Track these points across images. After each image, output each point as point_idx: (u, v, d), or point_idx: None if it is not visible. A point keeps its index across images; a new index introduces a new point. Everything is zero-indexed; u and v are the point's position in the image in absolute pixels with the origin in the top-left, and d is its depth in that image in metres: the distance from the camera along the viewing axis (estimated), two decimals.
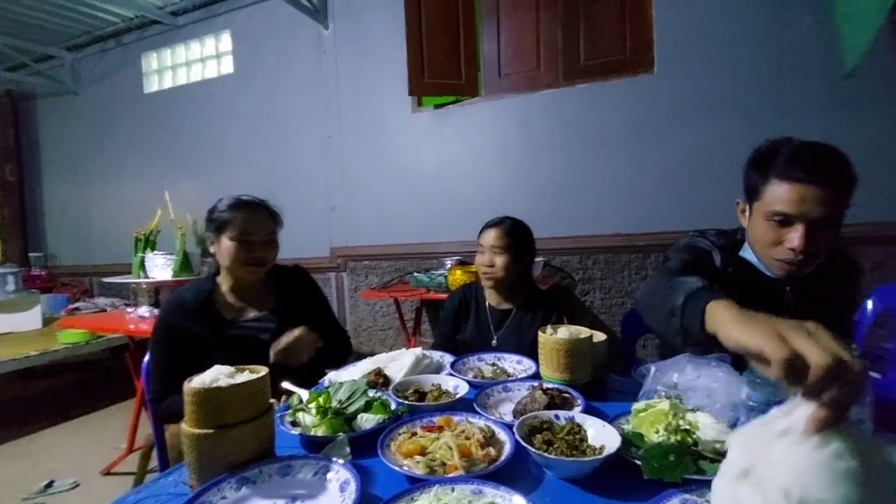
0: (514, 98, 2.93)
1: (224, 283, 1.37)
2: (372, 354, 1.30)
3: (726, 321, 0.64)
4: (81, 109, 4.61)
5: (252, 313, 1.36)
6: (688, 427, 0.78)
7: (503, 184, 2.96)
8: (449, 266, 2.64)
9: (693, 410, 0.83)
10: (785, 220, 0.94)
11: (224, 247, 1.30)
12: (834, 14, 2.13)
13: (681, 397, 0.87)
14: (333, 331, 1.52)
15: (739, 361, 0.94)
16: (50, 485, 2.20)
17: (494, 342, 1.53)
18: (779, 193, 0.93)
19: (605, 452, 0.71)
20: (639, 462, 0.69)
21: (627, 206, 2.63)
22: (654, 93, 2.59)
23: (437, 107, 3.14)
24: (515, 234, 1.52)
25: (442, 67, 2.97)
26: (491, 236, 1.51)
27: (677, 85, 2.54)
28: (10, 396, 3.53)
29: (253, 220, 1.32)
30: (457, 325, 1.62)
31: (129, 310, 2.45)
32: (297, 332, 1.26)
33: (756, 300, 1.01)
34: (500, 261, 1.49)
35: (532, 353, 1.22)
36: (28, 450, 2.64)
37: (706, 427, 0.77)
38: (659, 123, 2.58)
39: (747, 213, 1.06)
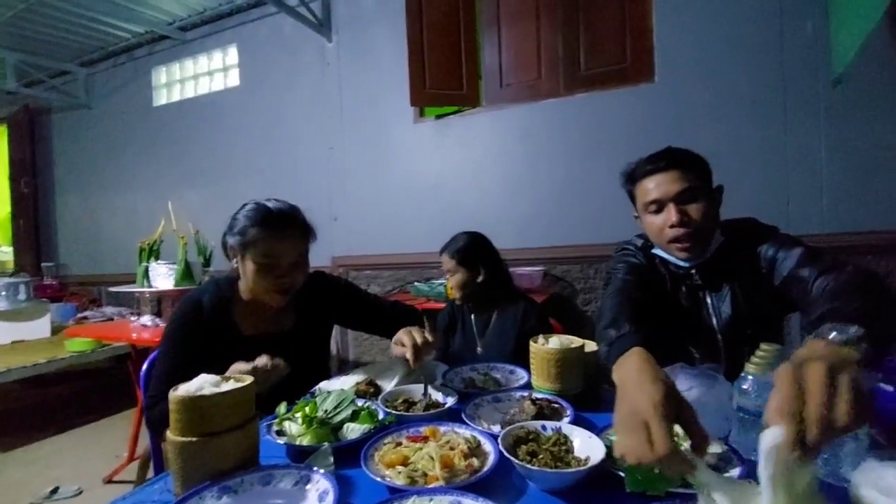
0: (516, 108, 2.94)
1: (244, 292, 1.25)
2: (361, 366, 1.30)
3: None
4: (94, 123, 4.73)
5: (271, 330, 1.27)
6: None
7: (504, 193, 2.97)
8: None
9: None
10: (658, 207, 1.11)
11: (248, 268, 1.16)
12: (829, 21, 2.12)
13: None
14: (388, 317, 1.40)
15: (731, 373, 0.93)
16: (55, 491, 2.23)
17: (479, 349, 1.61)
18: (644, 188, 1.14)
19: (590, 464, 0.70)
20: (623, 474, 0.68)
21: (629, 215, 2.60)
22: (654, 101, 2.59)
23: (439, 117, 3.16)
24: (464, 252, 1.64)
25: (443, 78, 3.00)
26: (443, 261, 1.66)
27: (678, 93, 2.54)
28: (20, 403, 3.58)
29: (281, 243, 1.15)
30: (447, 338, 1.71)
31: (132, 319, 2.48)
32: (260, 362, 1.05)
33: (672, 287, 1.18)
34: (455, 280, 1.63)
35: (517, 352, 1.32)
36: (35, 456, 2.67)
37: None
38: (660, 132, 2.57)
39: (639, 219, 1.22)
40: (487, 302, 1.66)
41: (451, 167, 3.11)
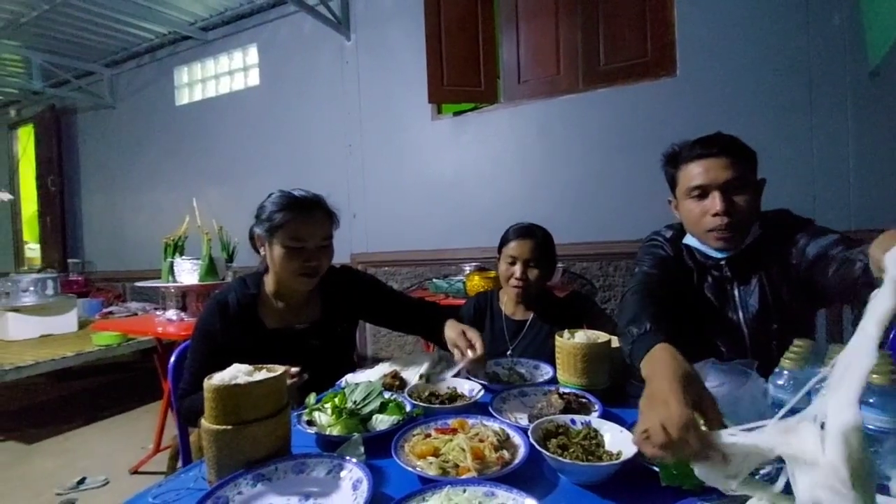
0: (534, 104, 2.93)
1: (270, 285, 1.28)
2: (386, 359, 1.31)
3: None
4: (118, 122, 4.85)
5: (297, 323, 1.28)
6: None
7: (522, 190, 2.96)
8: (467, 272, 2.64)
9: None
10: (702, 193, 1.08)
11: (276, 253, 1.19)
12: (861, 12, 2.06)
13: None
14: (415, 315, 1.41)
15: (765, 368, 0.92)
16: (82, 481, 2.28)
17: (510, 352, 1.49)
18: (689, 172, 1.09)
19: (622, 458, 0.70)
20: (657, 469, 0.67)
21: (649, 211, 2.56)
22: (676, 96, 2.55)
23: (457, 114, 3.16)
24: (546, 246, 1.50)
25: (461, 75, 2.99)
26: (525, 248, 1.46)
27: (701, 87, 2.49)
28: (48, 396, 3.69)
29: (308, 225, 1.19)
30: None
31: (157, 313, 2.53)
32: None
33: (699, 280, 1.15)
34: (534, 274, 1.46)
35: (550, 363, 1.20)
36: (63, 447, 2.75)
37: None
38: (681, 127, 2.49)
39: (676, 205, 1.19)
40: (528, 304, 1.54)
41: (468, 164, 3.11)
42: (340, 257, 3.44)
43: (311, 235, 1.19)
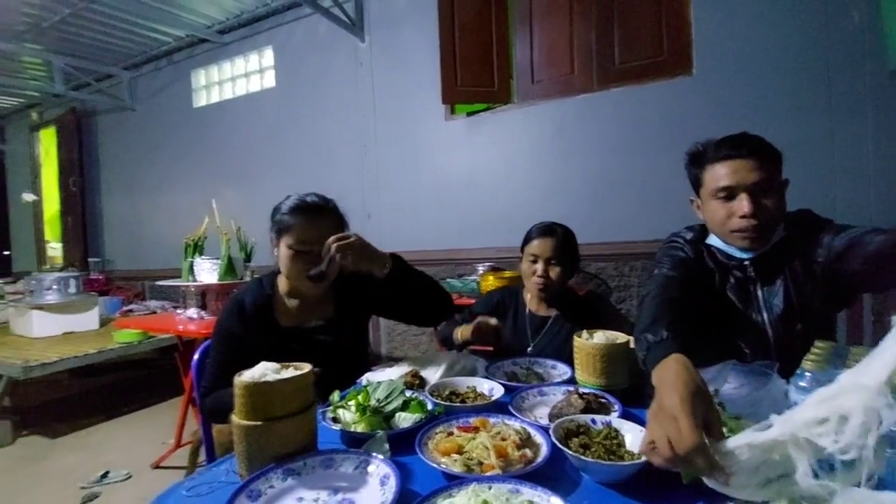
0: (548, 104, 2.93)
1: (283, 285, 1.31)
2: (406, 358, 1.32)
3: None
4: (137, 124, 4.95)
5: (311, 321, 1.31)
6: (730, 434, 0.76)
7: (537, 190, 2.96)
8: (482, 272, 2.66)
9: (736, 419, 0.81)
10: (728, 194, 1.06)
11: (282, 254, 1.22)
12: (882, 10, 2.03)
13: (723, 405, 0.85)
14: (423, 306, 1.42)
15: (783, 369, 0.91)
16: (105, 475, 2.35)
17: (531, 349, 1.50)
18: (716, 173, 1.08)
19: (644, 458, 0.71)
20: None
21: (664, 211, 2.55)
22: (692, 95, 2.53)
23: (470, 114, 3.17)
24: (568, 244, 1.50)
25: (475, 75, 3.00)
26: (546, 247, 1.47)
27: (718, 86, 2.47)
28: (71, 392, 3.79)
29: (314, 228, 1.21)
30: None
31: (178, 311, 2.59)
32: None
33: (720, 282, 1.15)
34: (555, 272, 1.47)
35: (569, 362, 1.20)
36: (86, 442, 2.82)
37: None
38: (698, 127, 2.49)
39: (699, 205, 1.19)
40: (551, 301, 1.55)
41: (482, 164, 3.12)
42: None
43: (316, 240, 1.19)
